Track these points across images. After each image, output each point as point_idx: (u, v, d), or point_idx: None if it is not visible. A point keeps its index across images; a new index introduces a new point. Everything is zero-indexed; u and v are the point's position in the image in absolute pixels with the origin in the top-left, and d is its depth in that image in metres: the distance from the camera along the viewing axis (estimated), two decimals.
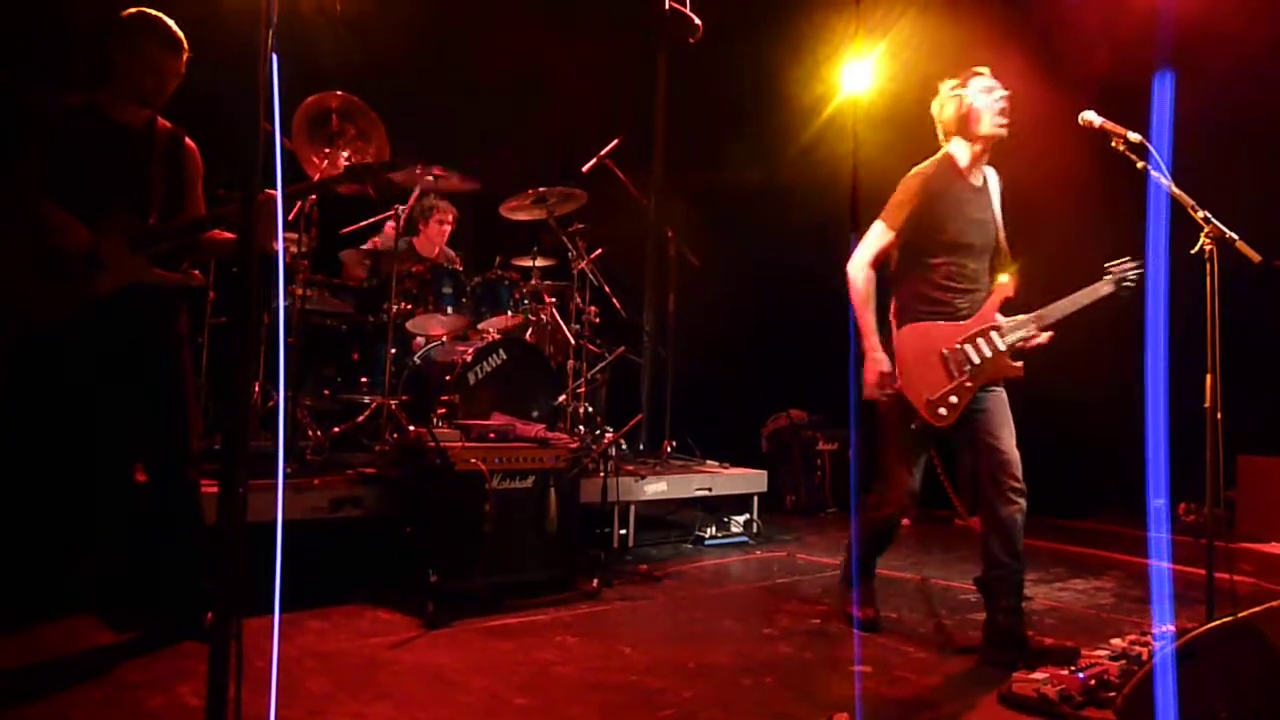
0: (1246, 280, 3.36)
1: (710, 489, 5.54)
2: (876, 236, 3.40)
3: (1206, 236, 3.09)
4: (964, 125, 3.39)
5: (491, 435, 4.01)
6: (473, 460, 3.73)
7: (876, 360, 3.34)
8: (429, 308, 4.81)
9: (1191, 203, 3.14)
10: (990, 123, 3.36)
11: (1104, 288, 3.40)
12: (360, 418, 4.63)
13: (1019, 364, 3.39)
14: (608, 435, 5.27)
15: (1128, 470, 6.39)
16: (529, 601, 3.76)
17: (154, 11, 3.00)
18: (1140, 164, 3.15)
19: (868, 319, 3.36)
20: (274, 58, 1.71)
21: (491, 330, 5.09)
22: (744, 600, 4.12)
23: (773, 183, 7.17)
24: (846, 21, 7.19)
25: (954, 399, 3.27)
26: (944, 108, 3.45)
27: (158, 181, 3.01)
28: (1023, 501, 3.22)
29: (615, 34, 6.76)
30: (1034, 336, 3.38)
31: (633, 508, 5.09)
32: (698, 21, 6.70)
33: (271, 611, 2.76)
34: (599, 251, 5.51)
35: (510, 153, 6.03)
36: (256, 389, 4.28)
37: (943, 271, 3.37)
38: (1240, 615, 2.17)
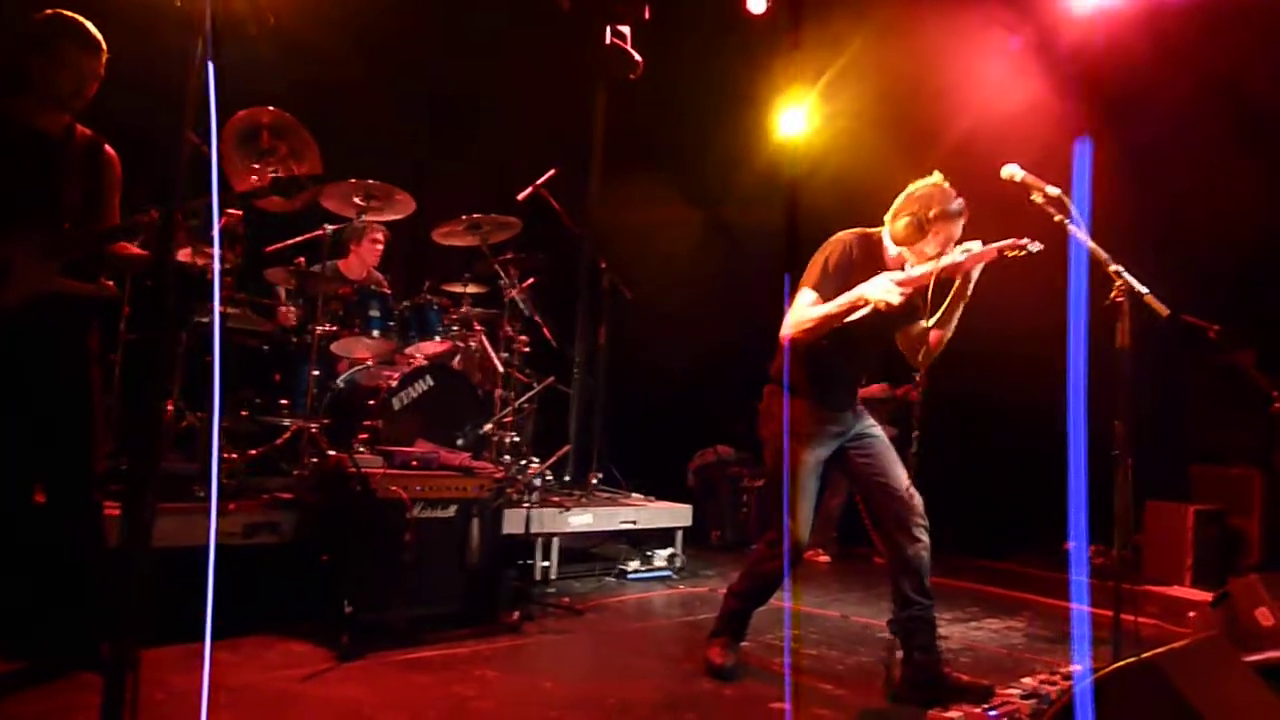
0: (1156, 332, 3.50)
1: (635, 522, 5.52)
2: (805, 302, 3.25)
3: (1118, 290, 3.21)
4: (909, 244, 3.27)
5: (414, 463, 3.94)
6: (394, 488, 3.66)
7: (877, 280, 3.10)
8: (355, 330, 4.73)
9: (1105, 256, 3.23)
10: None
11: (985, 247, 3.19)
12: (279, 441, 4.51)
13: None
14: (533, 466, 5.25)
15: (1043, 513, 6.59)
16: (448, 634, 3.68)
17: (69, 13, 2.91)
18: (1058, 217, 3.25)
19: (829, 307, 3.18)
20: (210, 66, 1.66)
21: (419, 356, 5.02)
22: (666, 635, 4.10)
23: (709, 221, 7.26)
24: (784, 65, 7.37)
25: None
26: (904, 221, 3.25)
27: (72, 189, 2.90)
28: (927, 538, 3.27)
29: (556, 65, 6.80)
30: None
31: (556, 540, 5.04)
32: (638, 58, 6.77)
33: (174, 641, 2.65)
34: (531, 281, 5.49)
35: (445, 177, 5.98)
36: (170, 408, 4.14)
37: (836, 353, 3.30)
38: (1143, 656, 2.23)
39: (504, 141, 6.53)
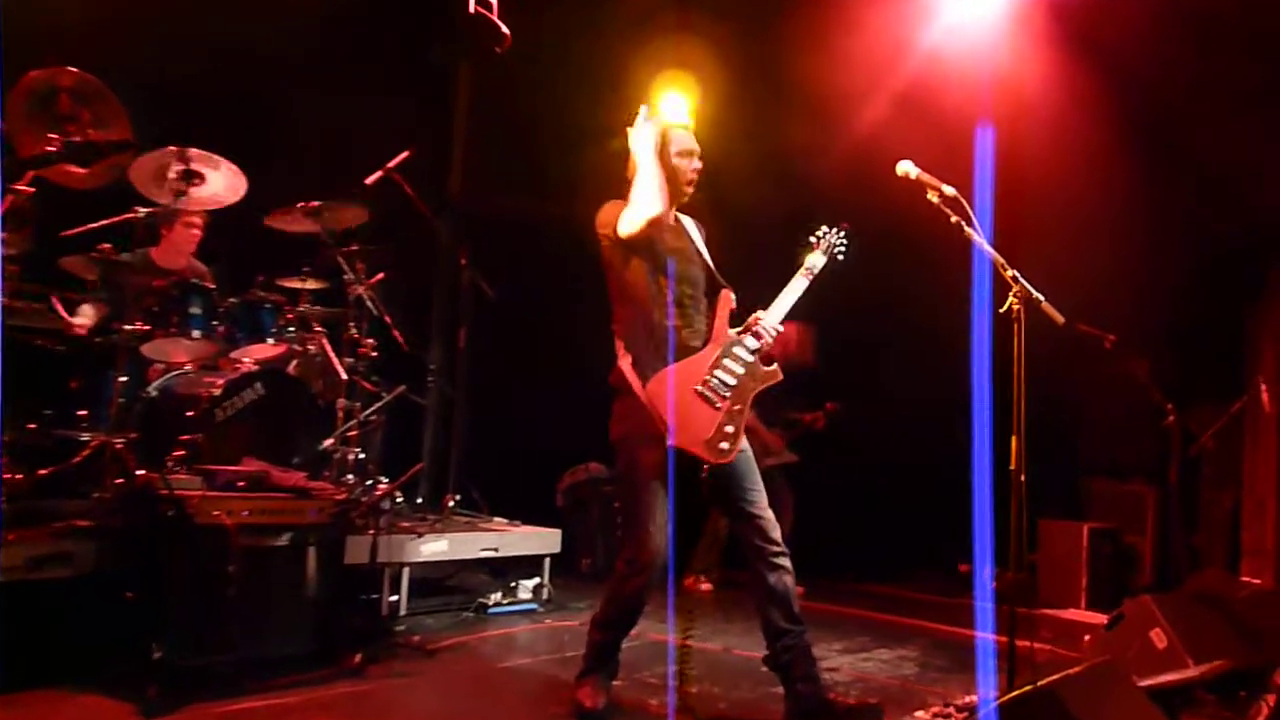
0: (1051, 341, 3.68)
1: (497, 549, 5.48)
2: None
3: (1014, 296, 3.31)
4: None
5: (241, 483, 3.82)
6: (216, 512, 3.53)
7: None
8: (172, 330, 4.52)
9: (1002, 261, 3.37)
10: (681, 191, 3.64)
11: (817, 260, 3.71)
12: (76, 458, 4.26)
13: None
14: (381, 486, 5.16)
15: (933, 533, 6.85)
16: (279, 680, 3.55)
17: None
18: (954, 218, 3.37)
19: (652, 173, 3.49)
20: None
21: (247, 360, 4.86)
22: (530, 675, 4.07)
23: (584, 213, 7.24)
24: (666, 48, 7.43)
25: (729, 428, 3.36)
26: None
27: None
28: (787, 562, 3.38)
29: (416, 36, 6.68)
30: (765, 341, 3.55)
31: (407, 570, 4.96)
32: (505, 30, 6.71)
33: None
34: (381, 275, 5.38)
35: (285, 157, 5.80)
36: None
37: (670, 296, 3.48)
38: (1040, 684, 2.34)
39: (353, 119, 6.38)
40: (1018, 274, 3.33)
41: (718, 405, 3.36)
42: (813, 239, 3.75)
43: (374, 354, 5.38)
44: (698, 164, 3.66)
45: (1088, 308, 5.29)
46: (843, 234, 3.78)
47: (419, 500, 6.24)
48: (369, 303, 5.31)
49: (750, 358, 3.49)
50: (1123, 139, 6.08)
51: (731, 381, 3.41)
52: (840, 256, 3.77)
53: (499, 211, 7.01)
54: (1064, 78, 6.08)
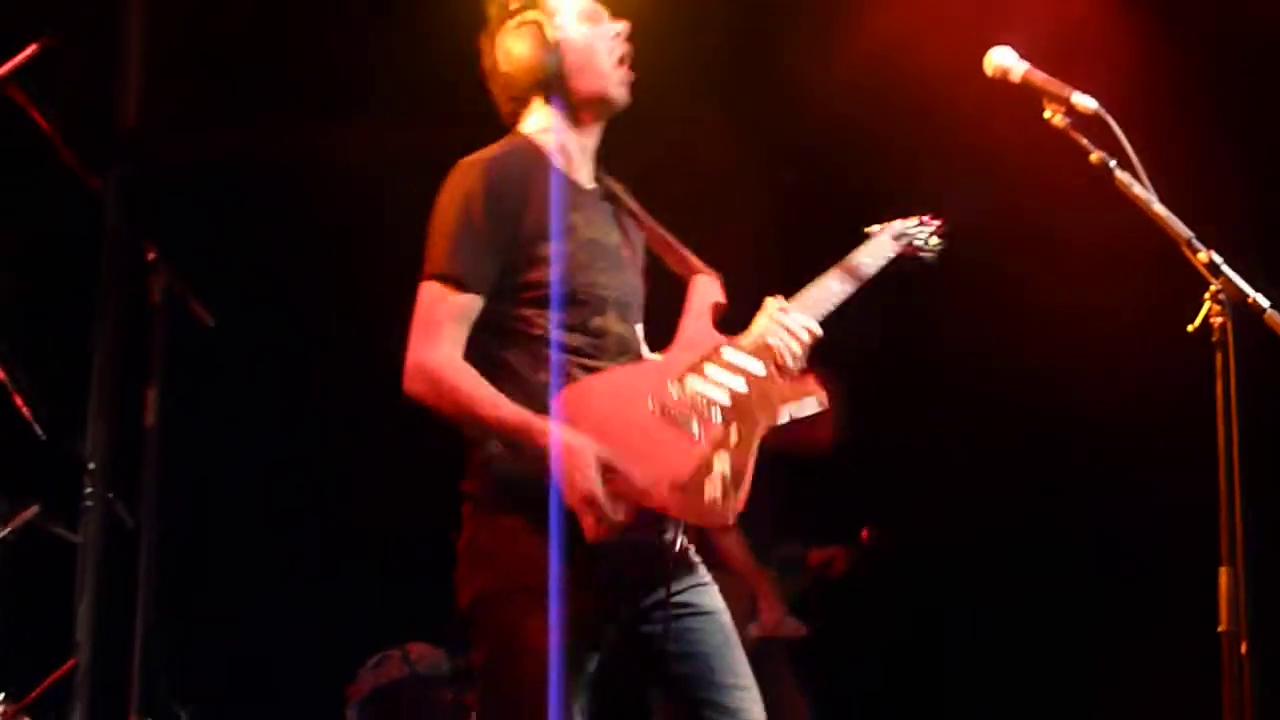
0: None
1: None
2: (439, 310, 3.39)
3: (1213, 298, 3.24)
4: (560, 75, 3.55)
5: None
6: None
7: (568, 445, 3.21)
8: None
9: (1186, 234, 3.30)
10: (612, 76, 3.60)
11: (868, 261, 3.88)
12: None
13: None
14: None
15: None
16: None
17: None
18: (1094, 156, 3.34)
19: (489, 398, 3.31)
20: None
21: None
22: None
23: (402, 154, 7.13)
24: None
25: (722, 471, 3.30)
26: (511, 47, 3.60)
27: None
28: None
29: None
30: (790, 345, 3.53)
31: None
32: None
33: None
34: None
35: None
36: None
37: (563, 348, 3.40)
38: None
39: None
40: (1217, 257, 3.26)
41: (695, 431, 3.34)
42: (870, 230, 3.96)
43: None
44: (618, 28, 3.63)
45: None
46: (929, 231, 4.07)
47: None
48: None
49: (758, 368, 3.46)
50: None
51: (722, 398, 3.40)
52: (926, 256, 4.08)
53: (221, 162, 7.04)
54: None
